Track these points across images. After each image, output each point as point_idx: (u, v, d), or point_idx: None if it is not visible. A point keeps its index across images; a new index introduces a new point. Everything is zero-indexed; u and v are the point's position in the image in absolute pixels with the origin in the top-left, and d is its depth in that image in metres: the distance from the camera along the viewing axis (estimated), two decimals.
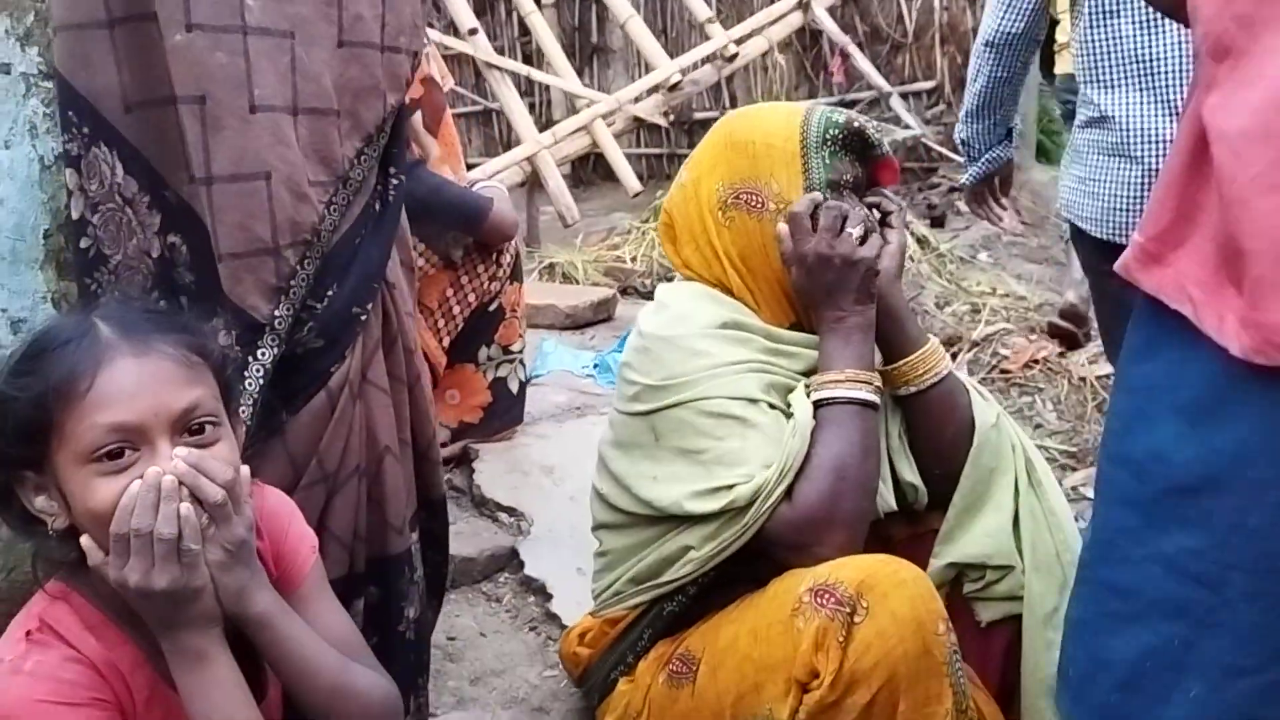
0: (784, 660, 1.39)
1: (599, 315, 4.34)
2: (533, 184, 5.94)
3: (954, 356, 3.94)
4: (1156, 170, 2.01)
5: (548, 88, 7.99)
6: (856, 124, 1.58)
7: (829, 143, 1.57)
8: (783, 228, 1.56)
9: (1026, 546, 1.60)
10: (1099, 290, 2.37)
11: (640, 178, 6.33)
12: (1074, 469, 3.44)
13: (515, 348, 2.66)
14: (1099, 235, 2.14)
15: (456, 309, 2.54)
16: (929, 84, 7.30)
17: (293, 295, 1.30)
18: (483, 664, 1.99)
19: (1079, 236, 2.23)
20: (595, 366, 3.47)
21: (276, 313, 1.29)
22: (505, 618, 2.13)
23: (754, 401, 1.51)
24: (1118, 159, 2.09)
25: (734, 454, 1.48)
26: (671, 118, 7.08)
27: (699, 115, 7.86)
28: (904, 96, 7.18)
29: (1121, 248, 1.09)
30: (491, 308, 2.60)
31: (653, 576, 1.58)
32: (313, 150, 1.32)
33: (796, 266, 1.54)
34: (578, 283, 5.08)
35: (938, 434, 1.62)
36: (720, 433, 1.50)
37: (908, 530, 1.70)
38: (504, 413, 2.68)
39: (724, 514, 1.47)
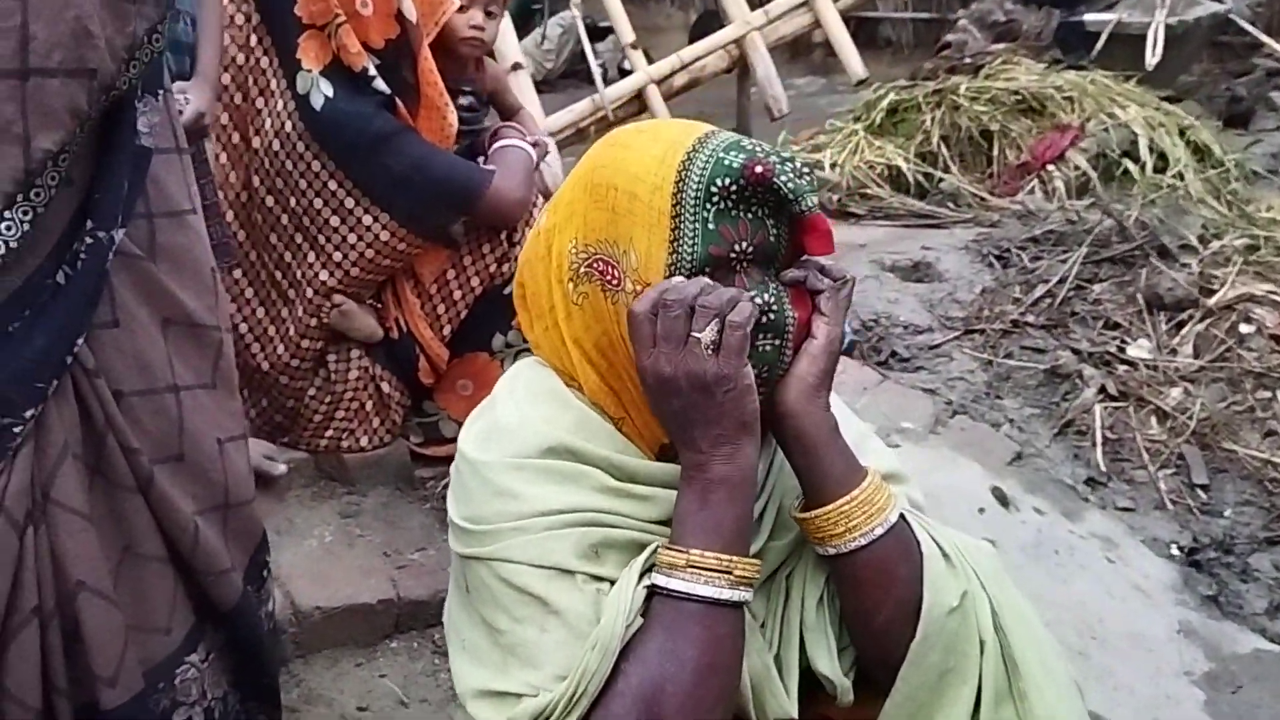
0: None
1: None
2: (741, 70, 5.36)
3: (1179, 327, 3.12)
4: None
5: None
6: (761, 169, 1.02)
7: (716, 197, 1.02)
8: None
9: None
10: None
11: (903, 47, 5.42)
12: None
13: None
14: None
15: (458, 294, 2.16)
16: None
17: None
18: None
19: None
20: None
21: None
22: (444, 679, 1.81)
23: (566, 574, 1.06)
24: None
25: (529, 649, 1.05)
26: None
27: None
28: None
29: None
30: (506, 291, 2.19)
31: None
32: None
33: (644, 387, 1.06)
34: None
35: (865, 614, 1.11)
36: (519, 613, 1.06)
37: (847, 713, 1.21)
38: None
39: None
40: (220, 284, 1.37)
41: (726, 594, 1.02)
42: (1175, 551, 2.50)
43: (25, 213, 1.08)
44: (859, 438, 1.22)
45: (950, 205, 4.20)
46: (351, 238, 2.03)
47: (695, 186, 1.02)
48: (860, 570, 1.09)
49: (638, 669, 1.00)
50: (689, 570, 1.02)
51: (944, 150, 4.37)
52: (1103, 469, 2.73)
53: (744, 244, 1.04)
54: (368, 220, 2.03)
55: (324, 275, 2.06)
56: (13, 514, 1.09)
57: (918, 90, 4.54)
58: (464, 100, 2.28)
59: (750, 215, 1.04)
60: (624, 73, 5.98)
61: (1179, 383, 2.96)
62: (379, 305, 2.18)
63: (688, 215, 1.03)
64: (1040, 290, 3.41)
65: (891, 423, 2.54)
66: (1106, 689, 1.95)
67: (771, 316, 1.04)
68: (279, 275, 2.16)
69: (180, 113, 1.68)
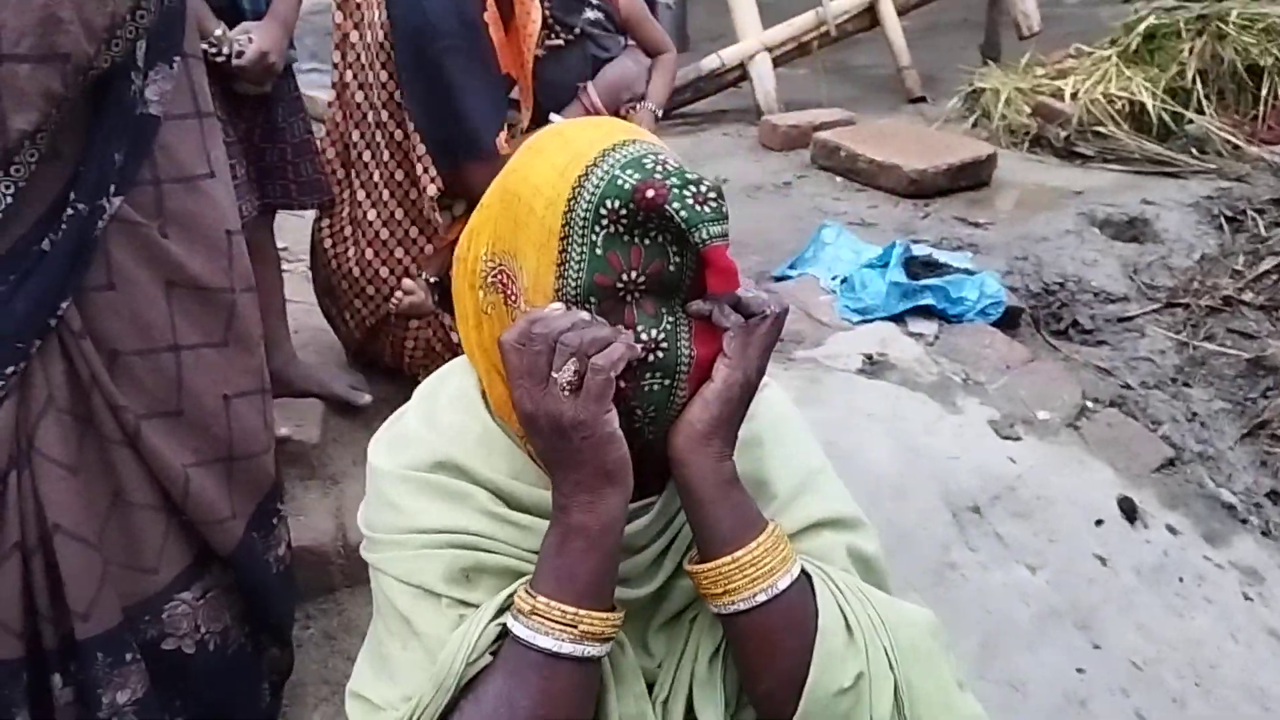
0: None
1: (958, 182, 3.53)
2: None
3: None
4: None
5: None
6: (654, 193, 0.92)
7: (605, 220, 0.93)
8: None
9: None
10: None
11: None
12: None
13: None
14: None
15: None
16: None
17: None
18: None
19: None
20: (842, 282, 2.73)
21: None
22: None
23: (432, 595, 1.04)
24: None
25: (392, 664, 1.05)
26: None
27: None
28: None
29: None
30: None
31: None
32: None
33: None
34: (990, 119, 4.18)
35: (749, 678, 1.04)
36: (391, 626, 1.07)
37: None
38: None
39: None
40: (237, 246, 1.41)
41: (568, 648, 0.96)
42: None
43: (7, 187, 1.16)
44: (807, 475, 1.13)
45: (1193, 152, 3.72)
46: (399, 155, 1.98)
47: (585, 207, 0.93)
48: (741, 635, 1.01)
49: (473, 710, 0.98)
50: (533, 618, 0.97)
51: (1199, 86, 3.85)
52: None
53: (634, 273, 0.94)
54: (415, 137, 1.94)
55: (369, 209, 2.04)
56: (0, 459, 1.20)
57: (1179, 13, 3.99)
58: (590, 14, 2.10)
59: (646, 241, 0.94)
60: None
61: None
62: (432, 281, 2.09)
63: (576, 238, 0.94)
64: (1269, 263, 2.98)
65: (1025, 411, 2.32)
66: None
67: (660, 355, 0.96)
68: (354, 178, 2.10)
69: (240, 54, 1.73)
